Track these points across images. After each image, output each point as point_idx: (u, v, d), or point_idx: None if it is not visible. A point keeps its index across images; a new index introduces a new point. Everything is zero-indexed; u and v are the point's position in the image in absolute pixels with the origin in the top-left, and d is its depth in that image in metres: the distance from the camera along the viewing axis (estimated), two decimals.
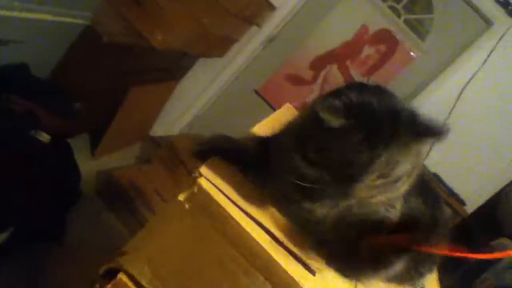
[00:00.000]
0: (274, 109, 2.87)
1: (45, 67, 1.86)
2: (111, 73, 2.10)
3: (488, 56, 2.61)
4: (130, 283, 0.64)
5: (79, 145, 2.19)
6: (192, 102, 2.88)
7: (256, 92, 2.93)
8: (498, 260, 2.93)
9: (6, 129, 1.51)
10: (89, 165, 2.28)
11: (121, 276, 0.64)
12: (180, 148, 2.58)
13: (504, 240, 2.99)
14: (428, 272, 0.86)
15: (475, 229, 2.73)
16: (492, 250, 2.95)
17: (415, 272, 0.81)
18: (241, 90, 2.92)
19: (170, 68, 2.65)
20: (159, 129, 2.91)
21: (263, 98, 2.93)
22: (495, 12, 2.59)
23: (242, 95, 2.92)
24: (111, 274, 0.66)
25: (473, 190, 2.71)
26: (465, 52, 2.71)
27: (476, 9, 2.66)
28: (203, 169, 0.63)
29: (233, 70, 2.82)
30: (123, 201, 2.30)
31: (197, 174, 0.63)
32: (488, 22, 2.65)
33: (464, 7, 2.70)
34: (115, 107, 2.30)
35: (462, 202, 2.59)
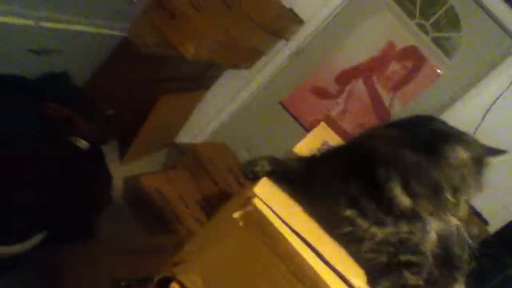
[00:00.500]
0: (298, 121, 2.92)
1: (83, 76, 1.94)
2: (143, 82, 2.17)
3: None
4: None
5: (108, 151, 2.26)
6: (218, 112, 2.93)
7: (281, 103, 2.97)
8: None
9: (45, 134, 1.57)
10: (117, 171, 2.34)
11: (174, 286, 0.68)
12: (204, 156, 2.63)
13: None
14: None
15: (498, 249, 2.71)
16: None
17: None
18: (266, 101, 2.96)
19: (199, 78, 2.71)
20: (184, 137, 2.97)
21: (287, 110, 2.96)
22: None
23: (267, 106, 2.96)
24: (165, 283, 0.70)
25: (496, 210, 2.70)
26: (492, 71, 2.70)
27: (503, 28, 2.67)
28: (257, 189, 0.67)
29: (259, 81, 2.87)
30: (148, 206, 2.36)
31: (251, 194, 0.66)
32: None
33: (492, 25, 2.70)
34: (144, 115, 2.37)
35: (485, 222, 2.58)
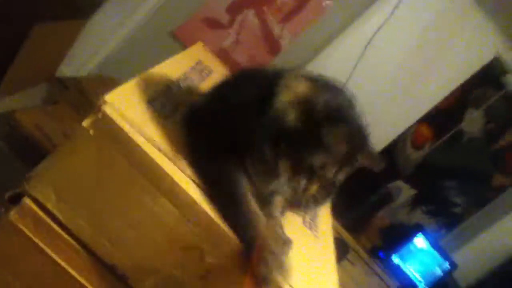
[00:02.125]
0: None
1: None
2: (12, 7, 1.95)
3: (394, 9, 2.76)
4: (35, 207, 0.65)
5: None
6: (102, 43, 2.74)
7: (172, 34, 2.86)
8: (393, 200, 3.28)
9: None
10: None
11: (26, 200, 0.66)
12: (90, 90, 2.48)
13: (400, 183, 3.33)
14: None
15: (374, 172, 2.99)
16: (389, 192, 3.30)
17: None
18: (156, 31, 2.83)
19: (78, 5, 2.49)
20: (66, 70, 2.76)
21: (179, 41, 2.87)
22: None
23: (157, 37, 2.83)
24: (17, 199, 0.67)
25: (375, 136, 2.94)
26: (375, 2, 2.83)
27: None
28: (108, 96, 0.65)
29: (147, 9, 2.71)
30: (30, 144, 2.20)
31: (101, 101, 0.64)
32: None
33: None
34: (17, 46, 2.15)
35: None
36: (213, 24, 2.90)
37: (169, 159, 0.66)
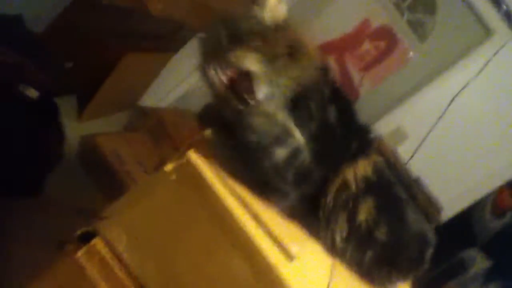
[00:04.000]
0: None
1: (41, 22, 1.81)
2: (106, 36, 2.06)
3: (484, 66, 2.62)
4: (104, 248, 0.63)
5: (66, 106, 2.15)
6: (185, 77, 2.83)
7: None
8: (466, 269, 3.01)
9: None
10: (74, 129, 2.24)
11: (97, 241, 0.63)
12: (168, 121, 2.55)
13: (474, 252, 3.07)
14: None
15: (448, 237, 2.78)
16: (462, 260, 3.04)
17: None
18: None
19: (167, 39, 2.60)
20: (148, 100, 2.87)
21: None
22: (497, 22, 2.60)
23: None
24: (87, 237, 0.64)
25: (452, 198, 2.75)
26: (463, 59, 2.71)
27: (479, 17, 2.66)
28: (194, 143, 0.62)
29: None
30: (104, 168, 2.27)
31: (186, 147, 0.61)
32: (489, 32, 2.65)
33: (468, 13, 2.70)
34: (107, 72, 2.26)
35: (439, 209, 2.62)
36: None
37: (252, 215, 0.61)
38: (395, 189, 0.82)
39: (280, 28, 0.72)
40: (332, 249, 0.75)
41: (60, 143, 1.82)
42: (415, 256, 0.84)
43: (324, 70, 0.75)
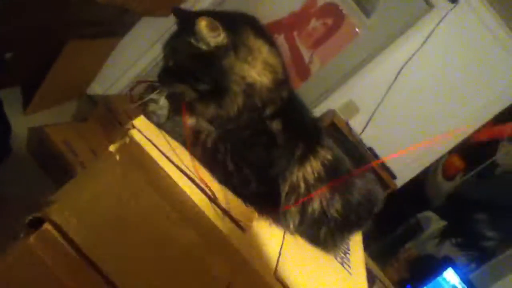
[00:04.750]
0: None
1: None
2: (47, 24, 1.98)
3: (427, 37, 2.72)
4: (55, 233, 0.62)
5: (10, 99, 2.07)
6: (133, 63, 2.78)
7: None
8: (422, 230, 3.16)
9: None
10: (20, 121, 2.16)
11: (47, 226, 0.63)
12: (119, 109, 2.50)
13: (429, 213, 3.22)
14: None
15: (403, 202, 2.91)
16: (418, 222, 3.19)
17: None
18: None
19: (111, 25, 2.53)
20: (97, 88, 2.80)
21: None
22: None
23: None
24: (37, 224, 0.64)
25: (404, 165, 2.87)
26: (406, 32, 2.80)
27: None
28: (137, 121, 0.62)
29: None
30: (56, 159, 2.21)
31: (129, 126, 0.61)
32: (430, 5, 2.75)
33: None
34: (51, 61, 2.18)
35: (393, 176, 2.73)
36: None
37: (198, 188, 0.63)
38: (344, 167, 0.87)
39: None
40: (287, 230, 0.80)
41: (6, 136, 1.76)
42: (365, 216, 0.90)
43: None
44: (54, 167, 2.20)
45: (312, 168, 0.80)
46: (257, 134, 0.75)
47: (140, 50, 2.75)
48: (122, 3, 2.16)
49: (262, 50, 0.77)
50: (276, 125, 0.77)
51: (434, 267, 2.84)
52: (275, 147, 0.76)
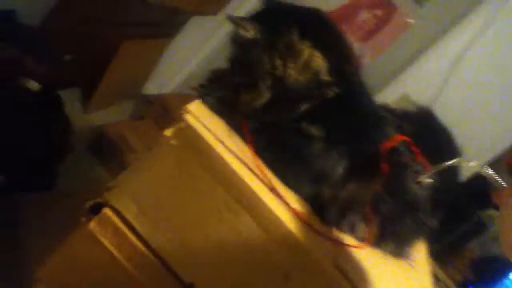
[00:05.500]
0: None
1: (35, 16, 1.82)
2: (102, 26, 2.06)
3: (486, 26, 2.59)
4: (115, 218, 0.64)
5: (71, 98, 2.18)
6: (185, 61, 2.83)
7: None
8: (485, 231, 3.00)
9: None
10: (81, 120, 2.26)
11: (106, 211, 0.65)
12: (172, 107, 2.56)
13: (493, 212, 3.05)
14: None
15: (466, 198, 2.77)
16: (480, 220, 3.03)
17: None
18: None
19: (163, 25, 2.59)
20: (151, 88, 2.88)
21: None
22: None
23: None
24: (98, 209, 0.66)
25: (466, 159, 2.73)
26: (463, 21, 2.67)
27: None
28: (191, 106, 0.63)
29: (228, 29, 2.77)
30: (115, 156, 2.31)
31: (183, 111, 0.62)
32: None
33: None
34: (107, 62, 2.27)
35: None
36: None
37: (253, 173, 0.62)
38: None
39: None
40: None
41: (68, 135, 1.84)
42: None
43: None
44: (113, 163, 2.29)
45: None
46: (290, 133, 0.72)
47: (191, 49, 2.80)
48: (172, 3, 2.21)
49: (305, 52, 0.78)
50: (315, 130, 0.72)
51: (500, 268, 2.69)
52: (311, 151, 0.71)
